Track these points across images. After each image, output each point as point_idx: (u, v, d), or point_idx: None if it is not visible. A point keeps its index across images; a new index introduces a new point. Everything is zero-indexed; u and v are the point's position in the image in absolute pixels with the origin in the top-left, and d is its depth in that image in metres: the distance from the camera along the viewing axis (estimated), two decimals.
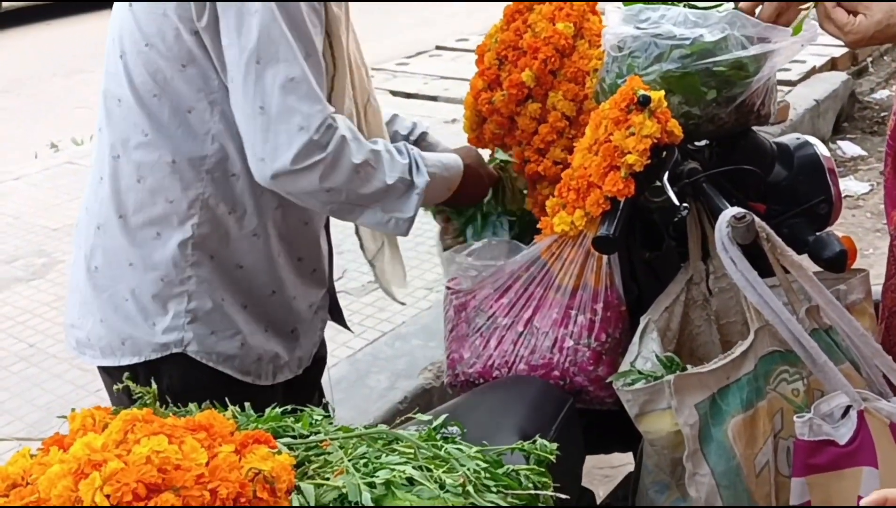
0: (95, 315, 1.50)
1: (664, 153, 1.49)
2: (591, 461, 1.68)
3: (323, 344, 1.77)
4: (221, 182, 1.44)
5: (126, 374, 1.23)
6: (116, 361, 1.48)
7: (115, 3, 1.48)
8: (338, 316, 1.78)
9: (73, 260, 1.57)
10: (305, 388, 1.73)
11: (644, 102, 1.44)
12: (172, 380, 1.45)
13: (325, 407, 1.20)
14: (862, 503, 0.79)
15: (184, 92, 1.41)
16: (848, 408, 1.38)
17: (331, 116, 1.40)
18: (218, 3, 1.34)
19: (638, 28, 1.57)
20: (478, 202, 1.80)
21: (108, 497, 0.87)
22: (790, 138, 1.78)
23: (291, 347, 1.59)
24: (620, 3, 1.63)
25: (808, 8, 1.54)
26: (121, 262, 1.47)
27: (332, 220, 1.65)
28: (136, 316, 1.46)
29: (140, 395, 1.23)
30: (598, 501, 1.81)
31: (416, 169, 1.52)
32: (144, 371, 1.44)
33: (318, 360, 1.76)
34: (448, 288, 1.74)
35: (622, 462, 2.39)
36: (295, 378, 1.63)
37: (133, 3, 1.42)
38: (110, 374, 1.51)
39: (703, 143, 1.64)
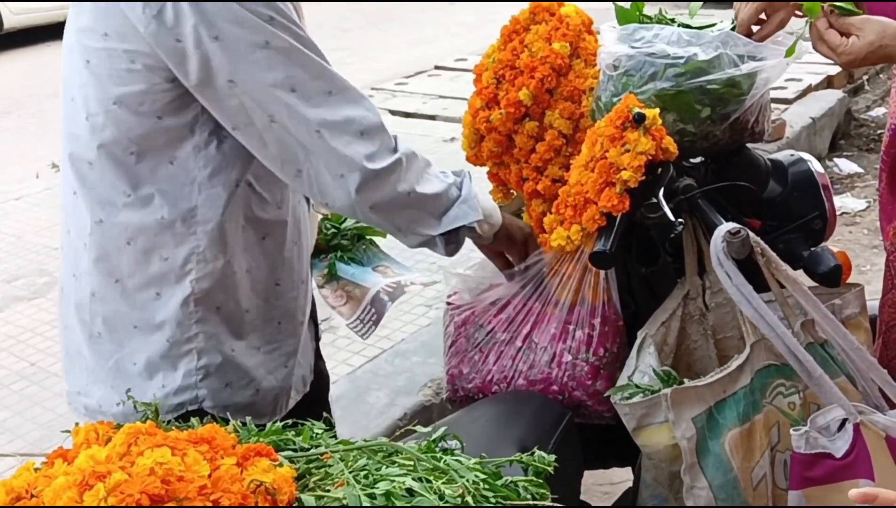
0: (105, 382, 1.44)
1: (659, 170, 1.51)
2: (590, 477, 1.69)
3: (322, 361, 1.77)
4: (214, 231, 1.37)
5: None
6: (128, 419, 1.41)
7: (64, 63, 1.38)
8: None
9: (62, 325, 1.50)
10: (312, 407, 1.68)
11: (639, 120, 1.47)
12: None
13: (328, 422, 1.19)
14: (850, 493, 0.80)
15: (162, 144, 1.33)
16: (844, 421, 1.39)
17: (376, 106, 1.40)
18: (210, 53, 1.24)
19: (633, 47, 1.59)
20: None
21: None
22: (784, 155, 1.80)
23: (294, 370, 1.56)
24: (615, 23, 1.66)
25: (800, 32, 1.56)
26: (124, 326, 1.41)
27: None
28: (146, 380, 1.41)
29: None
30: None
31: (459, 177, 1.54)
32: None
33: (321, 377, 1.74)
34: (448, 303, 1.76)
35: (621, 479, 2.40)
36: (302, 400, 1.61)
37: (90, 62, 1.31)
38: None
39: (697, 160, 1.66)
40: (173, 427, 1.10)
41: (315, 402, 1.71)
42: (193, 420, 1.21)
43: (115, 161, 1.34)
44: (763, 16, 1.58)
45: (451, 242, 1.51)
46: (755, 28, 1.60)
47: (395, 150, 1.39)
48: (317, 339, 1.73)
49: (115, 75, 1.29)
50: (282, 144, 1.32)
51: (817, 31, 1.48)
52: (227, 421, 1.37)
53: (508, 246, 1.66)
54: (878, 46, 1.46)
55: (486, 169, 1.95)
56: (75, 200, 1.41)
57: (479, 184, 1.82)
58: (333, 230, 1.86)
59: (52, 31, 9.98)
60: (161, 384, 1.40)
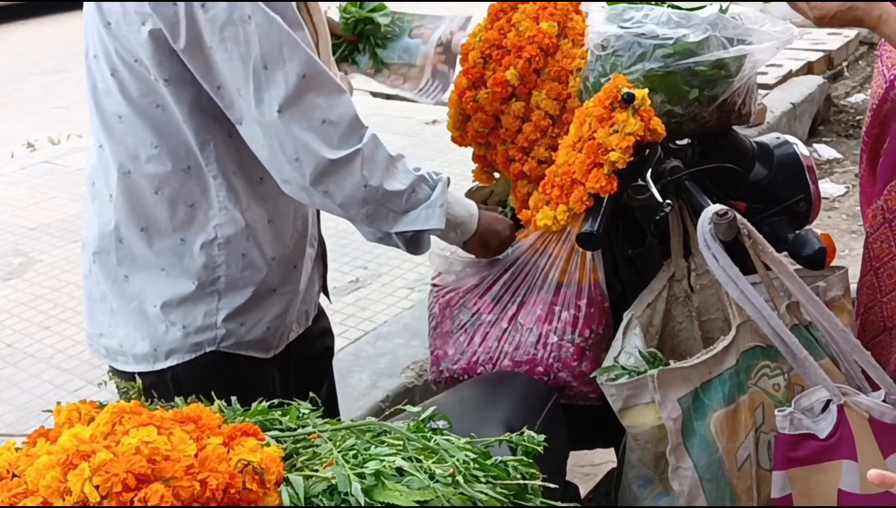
0: (128, 324, 1.50)
1: (647, 151, 1.50)
2: (572, 458, 1.69)
3: (330, 333, 1.81)
4: (231, 179, 1.44)
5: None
6: (150, 366, 1.49)
7: (86, 24, 1.44)
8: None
9: (85, 271, 1.55)
10: (315, 376, 1.76)
11: (628, 100, 1.46)
12: (200, 377, 1.46)
13: (315, 402, 1.18)
14: (869, 474, 0.81)
15: (175, 106, 1.39)
16: (828, 402, 1.40)
17: (348, 95, 1.39)
18: (200, 20, 1.29)
19: (621, 27, 1.58)
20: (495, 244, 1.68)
21: (97, 487, 0.86)
22: (770, 138, 1.81)
23: (299, 306, 1.60)
24: (604, 3, 1.65)
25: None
26: (150, 270, 1.47)
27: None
28: (167, 320, 1.47)
29: (125, 390, 1.23)
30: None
31: (431, 172, 1.51)
32: (174, 372, 1.48)
33: (326, 349, 1.80)
34: (433, 285, 1.75)
35: (603, 461, 2.41)
36: (306, 366, 1.68)
37: (111, 24, 1.36)
38: (131, 379, 1.50)
39: (684, 141, 1.66)
40: (158, 406, 1.08)
41: (319, 361, 1.77)
42: (178, 400, 1.19)
43: (142, 115, 1.40)
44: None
45: (412, 243, 1.53)
46: None
47: (358, 141, 1.37)
48: (323, 276, 1.74)
49: (131, 37, 1.34)
50: (247, 120, 1.35)
51: None
52: (234, 357, 1.48)
53: (482, 251, 1.64)
54: (848, 7, 1.51)
55: (471, 150, 1.94)
56: (101, 153, 1.47)
57: (463, 168, 1.81)
58: (353, 18, 1.79)
59: (27, 10, 9.83)
60: (182, 325, 1.47)
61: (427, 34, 1.72)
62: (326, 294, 1.79)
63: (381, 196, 1.42)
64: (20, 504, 0.90)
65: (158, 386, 1.46)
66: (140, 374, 1.49)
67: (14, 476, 0.97)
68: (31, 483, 0.91)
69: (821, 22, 1.55)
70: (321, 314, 1.78)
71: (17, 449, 1.03)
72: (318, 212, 1.66)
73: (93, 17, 1.40)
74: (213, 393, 1.20)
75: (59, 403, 1.12)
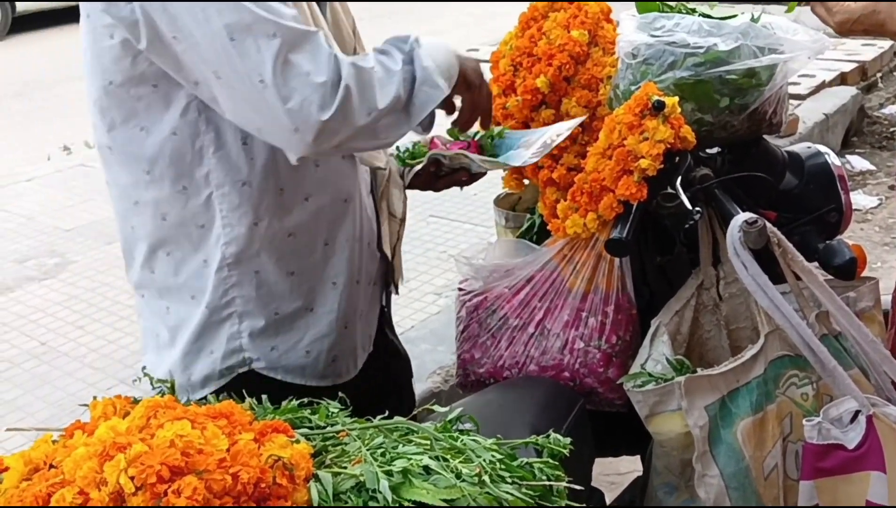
0: (169, 354, 1.46)
1: (677, 159, 1.51)
2: (597, 467, 1.69)
3: (394, 337, 1.71)
4: (232, 194, 1.36)
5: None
6: (190, 395, 1.43)
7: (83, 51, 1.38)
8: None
9: (137, 308, 1.53)
10: (388, 389, 1.66)
11: (658, 108, 1.46)
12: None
13: (343, 402, 1.17)
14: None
15: (164, 115, 1.33)
16: (857, 413, 1.39)
17: (324, 41, 1.27)
18: (154, 13, 1.22)
19: (652, 36, 1.59)
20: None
21: (132, 478, 0.89)
22: (801, 147, 1.80)
23: (352, 333, 1.52)
24: (635, 11, 1.66)
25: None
26: (182, 298, 1.43)
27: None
28: (197, 348, 1.43)
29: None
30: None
31: (405, 41, 1.38)
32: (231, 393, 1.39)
33: (401, 360, 1.71)
34: (460, 289, 1.76)
35: (629, 470, 2.40)
36: (376, 379, 1.58)
37: (88, 49, 1.33)
38: None
39: (715, 150, 1.66)
40: (192, 403, 1.10)
41: (390, 380, 1.66)
42: (210, 397, 1.21)
43: (128, 141, 1.35)
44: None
45: (423, 124, 1.43)
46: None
47: (338, 83, 1.25)
48: (386, 304, 1.65)
49: (105, 55, 1.30)
50: (233, 99, 1.26)
51: None
52: (281, 384, 1.40)
53: (466, 92, 1.48)
54: (871, 11, 1.49)
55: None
56: (110, 189, 1.44)
57: (493, 175, 1.77)
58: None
59: (62, 15, 10.00)
60: (210, 351, 1.42)
61: (531, 141, 1.63)
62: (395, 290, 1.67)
63: (383, 113, 1.31)
64: (57, 494, 0.92)
65: None
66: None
67: (51, 466, 0.99)
68: (69, 474, 0.93)
69: (842, 27, 1.53)
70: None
71: (53, 442, 1.06)
72: (376, 222, 1.56)
73: (83, 51, 1.36)
74: None
75: (94, 397, 1.15)
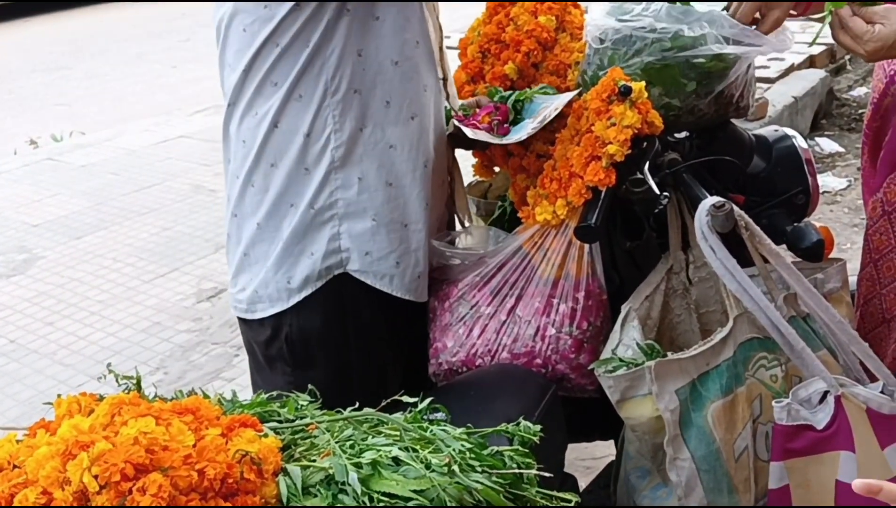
0: (263, 267, 1.57)
1: (645, 144, 1.51)
2: (572, 452, 1.70)
3: None
4: (346, 100, 1.49)
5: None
6: (286, 303, 1.55)
7: None
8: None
9: (228, 233, 1.64)
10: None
11: (625, 93, 1.46)
12: (344, 301, 1.55)
13: (313, 394, 1.19)
14: (854, 484, 0.80)
15: (288, 33, 1.45)
16: (825, 394, 1.40)
17: None
18: None
19: (620, 21, 1.59)
20: None
21: (96, 477, 0.87)
22: (768, 131, 1.81)
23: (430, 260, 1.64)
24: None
25: (823, 17, 1.54)
26: (282, 206, 1.53)
27: None
28: (297, 252, 1.54)
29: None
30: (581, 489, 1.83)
31: None
32: (310, 303, 1.54)
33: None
34: (432, 278, 1.75)
35: (604, 454, 2.41)
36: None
37: None
38: (261, 324, 1.60)
39: (682, 134, 1.66)
40: (157, 399, 1.09)
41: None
42: (175, 393, 1.20)
43: (258, 55, 1.49)
44: (758, 14, 1.56)
45: None
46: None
47: None
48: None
49: None
50: None
51: (840, 19, 1.43)
52: (370, 289, 1.53)
53: None
54: None
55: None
56: (231, 111, 1.57)
57: (464, 163, 1.81)
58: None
59: (24, 8, 9.84)
60: (311, 252, 1.54)
61: (541, 111, 1.70)
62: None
63: None
64: (20, 494, 0.91)
65: (293, 330, 1.55)
66: (278, 316, 1.56)
67: (15, 467, 0.98)
68: (31, 474, 0.92)
69: (875, 55, 1.43)
70: None
71: (17, 442, 1.04)
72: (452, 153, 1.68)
73: None
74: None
75: (59, 395, 1.13)
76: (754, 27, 1.55)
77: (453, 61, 1.91)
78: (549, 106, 1.67)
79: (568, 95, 1.67)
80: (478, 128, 1.68)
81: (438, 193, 1.65)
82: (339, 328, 1.58)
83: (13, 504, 0.91)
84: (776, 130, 1.81)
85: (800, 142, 1.77)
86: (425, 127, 1.58)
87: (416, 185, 1.57)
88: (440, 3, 1.72)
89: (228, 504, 0.91)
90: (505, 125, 1.70)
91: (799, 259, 1.57)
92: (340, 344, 1.56)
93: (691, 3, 1.59)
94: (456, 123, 1.70)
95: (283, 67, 1.48)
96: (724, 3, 1.58)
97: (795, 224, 1.61)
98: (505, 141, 1.67)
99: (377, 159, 1.53)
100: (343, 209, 1.53)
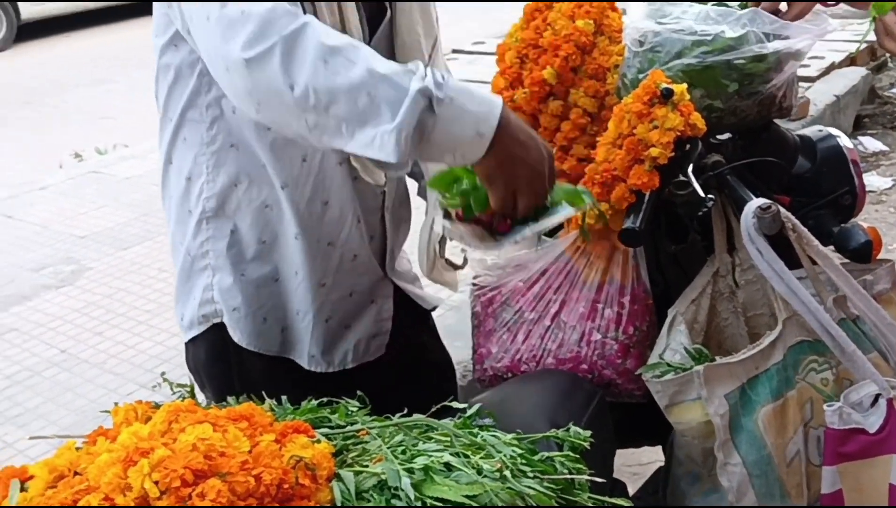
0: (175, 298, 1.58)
1: (688, 146, 1.50)
2: (619, 458, 1.68)
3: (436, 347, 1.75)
4: (221, 154, 1.43)
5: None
6: (188, 334, 1.55)
7: None
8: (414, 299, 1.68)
9: None
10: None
11: (667, 95, 1.46)
12: (229, 353, 1.50)
13: (362, 400, 1.17)
14: None
15: (194, 71, 1.40)
16: (877, 397, 1.38)
17: (292, 5, 1.18)
18: None
19: (659, 23, 1.58)
20: (530, 191, 1.23)
21: (156, 483, 0.89)
22: (813, 131, 1.79)
23: (328, 334, 1.51)
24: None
25: (865, 33, 1.53)
26: (175, 244, 1.53)
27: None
28: (184, 291, 1.53)
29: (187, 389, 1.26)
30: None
31: (416, 76, 1.14)
32: (210, 340, 1.52)
33: (438, 367, 1.74)
34: (473, 284, 1.76)
35: (651, 460, 2.39)
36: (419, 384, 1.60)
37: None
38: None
39: (725, 136, 1.65)
40: (213, 405, 1.11)
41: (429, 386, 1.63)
42: (230, 399, 1.22)
43: (157, 83, 1.46)
44: (783, 6, 1.56)
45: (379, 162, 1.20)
46: None
47: (280, 31, 1.13)
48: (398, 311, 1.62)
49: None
50: (200, 41, 1.24)
51: (885, 26, 1.43)
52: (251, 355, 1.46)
53: (498, 185, 1.20)
54: None
55: None
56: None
57: None
58: None
59: (69, 22, 10.05)
60: (193, 296, 1.51)
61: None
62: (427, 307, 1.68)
63: (318, 99, 1.12)
64: (83, 500, 0.93)
65: (190, 360, 1.56)
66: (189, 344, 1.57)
67: (76, 474, 1.00)
68: (93, 480, 0.94)
69: None
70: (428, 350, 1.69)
71: (77, 449, 1.07)
72: (382, 240, 1.55)
73: None
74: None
75: (116, 404, 1.16)
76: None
77: (491, 67, 1.92)
78: (555, 216, 1.33)
79: (571, 211, 1.36)
80: (476, 222, 1.32)
81: (328, 261, 1.49)
82: (225, 377, 1.52)
83: None
84: (820, 130, 1.79)
85: (844, 141, 1.74)
86: (305, 194, 1.43)
87: (295, 243, 1.45)
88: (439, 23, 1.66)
89: None
90: (507, 221, 1.32)
91: (847, 261, 1.55)
92: (227, 389, 1.41)
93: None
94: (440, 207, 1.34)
95: (173, 100, 1.44)
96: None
97: (842, 225, 1.59)
98: (495, 247, 1.33)
99: (251, 216, 1.44)
100: (214, 261, 1.47)
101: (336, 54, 1.13)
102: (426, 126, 1.12)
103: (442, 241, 1.64)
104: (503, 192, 1.20)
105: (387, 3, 1.50)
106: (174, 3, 1.30)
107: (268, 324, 1.49)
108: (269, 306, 1.49)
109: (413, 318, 1.70)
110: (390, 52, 1.50)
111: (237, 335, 1.49)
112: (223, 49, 1.16)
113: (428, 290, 1.77)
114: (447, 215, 1.30)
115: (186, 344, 1.57)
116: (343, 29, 1.37)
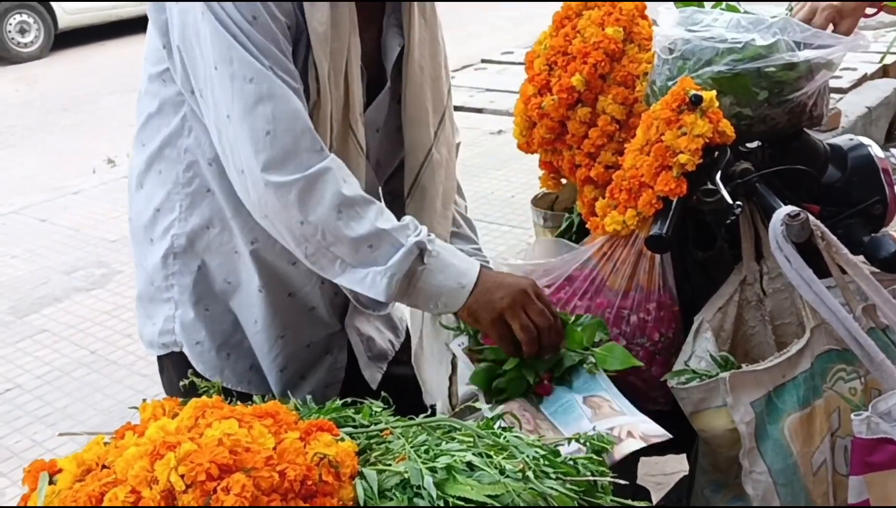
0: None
1: (716, 153, 1.49)
2: (643, 468, 1.68)
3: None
4: (196, 196, 1.42)
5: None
6: (150, 351, 1.57)
7: None
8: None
9: None
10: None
11: (696, 102, 1.46)
12: (173, 374, 1.50)
13: (386, 401, 1.18)
14: None
15: (157, 107, 1.42)
16: None
17: (317, 136, 1.29)
18: (173, 19, 1.31)
19: (689, 31, 1.58)
20: (516, 311, 1.36)
21: (182, 476, 0.91)
22: (843, 140, 1.77)
23: (282, 383, 1.50)
24: (672, 5, 1.65)
25: (893, 40, 1.53)
26: (136, 257, 1.54)
27: None
28: (144, 313, 1.53)
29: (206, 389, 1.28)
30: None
31: (413, 232, 1.33)
32: (175, 361, 1.52)
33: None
34: None
35: (675, 470, 2.38)
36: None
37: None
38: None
39: (755, 144, 1.64)
40: (238, 403, 1.12)
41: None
42: (256, 398, 1.23)
43: (139, 109, 1.46)
44: (831, 27, 1.56)
45: (363, 300, 1.40)
46: None
47: (301, 168, 1.26)
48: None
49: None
50: (210, 120, 1.32)
51: None
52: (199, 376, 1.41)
53: (480, 326, 1.38)
54: None
55: (536, 159, 1.95)
56: None
57: (529, 177, 1.75)
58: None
59: (105, 31, 10.21)
60: (154, 321, 1.51)
61: (602, 413, 1.33)
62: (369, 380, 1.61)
63: (324, 238, 1.28)
64: (110, 493, 0.95)
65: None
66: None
67: (104, 467, 1.02)
68: (121, 473, 0.95)
69: None
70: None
71: (105, 444, 1.08)
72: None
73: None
74: None
75: (144, 400, 1.17)
76: None
77: (519, 76, 1.93)
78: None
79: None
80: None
81: (287, 314, 1.50)
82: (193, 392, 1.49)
83: (103, 503, 0.95)
84: (851, 139, 1.77)
85: (876, 151, 1.73)
86: (275, 250, 1.43)
87: (258, 295, 1.45)
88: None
89: (308, 506, 0.93)
90: (545, 382, 1.39)
91: (877, 270, 1.53)
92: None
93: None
94: (457, 350, 1.45)
95: (151, 129, 1.44)
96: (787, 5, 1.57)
97: (873, 235, 1.58)
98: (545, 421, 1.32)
99: (220, 257, 1.45)
100: (178, 296, 1.46)
101: (349, 207, 1.28)
102: (415, 273, 1.31)
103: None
104: (488, 324, 1.35)
105: (387, 74, 1.50)
106: (175, 57, 1.33)
107: (231, 360, 1.50)
108: (232, 342, 1.50)
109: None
110: (386, 120, 1.52)
111: (200, 367, 1.48)
112: (244, 156, 1.26)
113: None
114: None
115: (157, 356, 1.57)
116: (346, 102, 1.40)
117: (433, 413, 1.49)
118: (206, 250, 1.45)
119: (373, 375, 1.59)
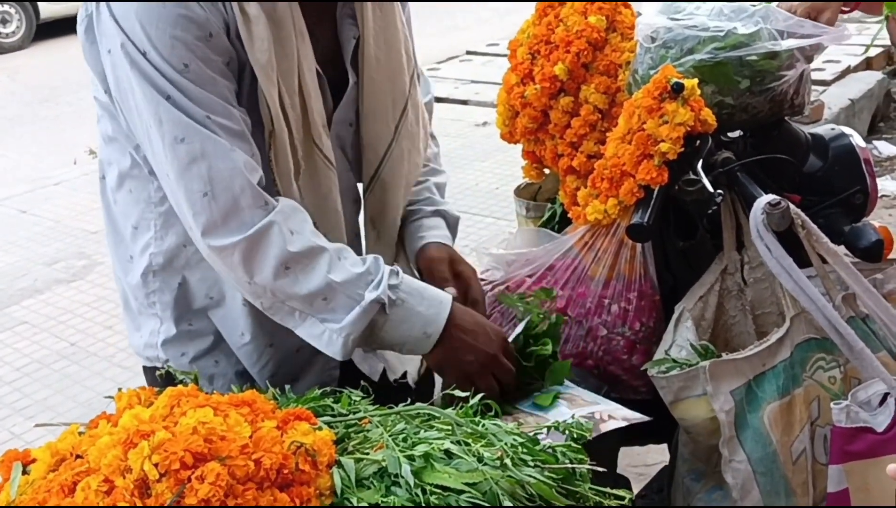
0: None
1: (698, 142, 1.49)
2: (624, 458, 1.68)
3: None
4: (170, 215, 1.36)
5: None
6: (141, 361, 1.54)
7: None
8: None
9: None
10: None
11: (677, 90, 1.45)
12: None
13: (366, 390, 1.17)
14: (889, 468, 0.78)
15: (113, 132, 1.39)
16: (885, 395, 1.37)
17: (259, 190, 1.24)
18: (104, 65, 1.27)
19: (672, 19, 1.58)
20: (483, 374, 1.33)
21: (156, 465, 0.89)
22: (825, 129, 1.77)
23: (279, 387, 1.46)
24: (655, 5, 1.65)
25: (880, 20, 1.53)
26: (115, 269, 1.50)
27: None
28: (133, 324, 1.50)
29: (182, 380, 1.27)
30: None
31: (372, 284, 1.28)
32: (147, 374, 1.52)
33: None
34: (482, 280, 1.76)
35: (656, 461, 2.38)
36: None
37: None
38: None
39: (736, 133, 1.64)
40: (214, 392, 1.11)
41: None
42: (234, 388, 1.22)
43: (104, 137, 1.42)
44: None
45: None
46: None
47: (242, 229, 1.22)
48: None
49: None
50: (156, 172, 1.30)
51: None
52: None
53: (448, 379, 1.35)
54: None
55: (520, 150, 1.94)
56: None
57: (513, 169, 1.72)
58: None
59: None
60: (141, 334, 1.48)
61: (578, 404, 1.35)
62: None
63: (274, 295, 1.26)
64: (82, 482, 0.93)
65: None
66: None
67: (77, 457, 1.00)
68: (94, 462, 0.94)
69: None
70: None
71: (79, 434, 1.07)
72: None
73: None
74: None
75: (119, 389, 1.16)
76: None
77: (504, 67, 1.91)
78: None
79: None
80: None
81: (268, 324, 1.43)
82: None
83: (76, 492, 0.94)
84: (833, 129, 1.77)
85: (857, 140, 1.73)
86: None
87: (242, 309, 1.40)
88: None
89: (284, 495, 0.92)
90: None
91: (857, 259, 1.53)
92: None
93: None
94: None
95: (116, 148, 1.39)
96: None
97: (853, 224, 1.58)
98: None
99: (200, 272, 1.40)
100: (161, 312, 1.43)
101: (297, 262, 1.24)
102: (376, 325, 1.28)
103: None
104: (454, 378, 1.31)
105: (350, 70, 1.44)
106: (116, 107, 1.29)
107: (220, 366, 1.47)
108: (218, 351, 1.47)
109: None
110: (356, 118, 1.47)
111: (189, 378, 1.42)
112: (186, 217, 1.24)
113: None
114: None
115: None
116: (305, 119, 1.35)
117: (400, 389, 1.48)
118: (185, 267, 1.41)
119: (373, 367, 1.54)
